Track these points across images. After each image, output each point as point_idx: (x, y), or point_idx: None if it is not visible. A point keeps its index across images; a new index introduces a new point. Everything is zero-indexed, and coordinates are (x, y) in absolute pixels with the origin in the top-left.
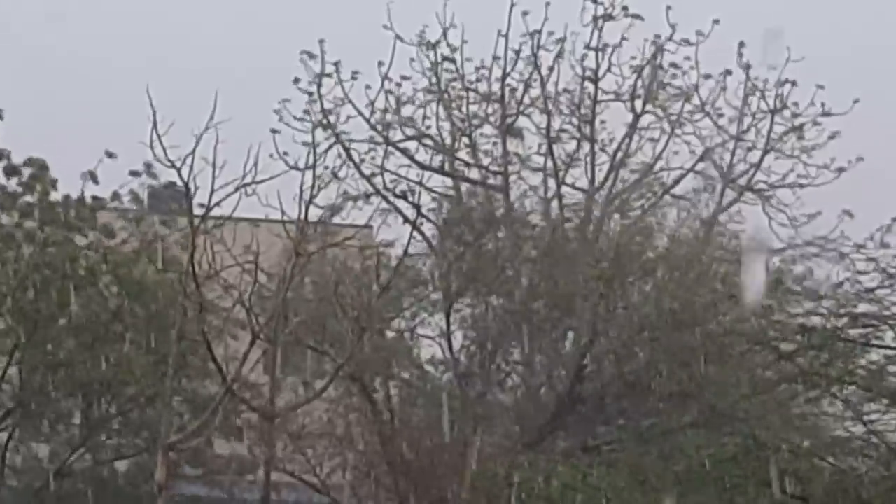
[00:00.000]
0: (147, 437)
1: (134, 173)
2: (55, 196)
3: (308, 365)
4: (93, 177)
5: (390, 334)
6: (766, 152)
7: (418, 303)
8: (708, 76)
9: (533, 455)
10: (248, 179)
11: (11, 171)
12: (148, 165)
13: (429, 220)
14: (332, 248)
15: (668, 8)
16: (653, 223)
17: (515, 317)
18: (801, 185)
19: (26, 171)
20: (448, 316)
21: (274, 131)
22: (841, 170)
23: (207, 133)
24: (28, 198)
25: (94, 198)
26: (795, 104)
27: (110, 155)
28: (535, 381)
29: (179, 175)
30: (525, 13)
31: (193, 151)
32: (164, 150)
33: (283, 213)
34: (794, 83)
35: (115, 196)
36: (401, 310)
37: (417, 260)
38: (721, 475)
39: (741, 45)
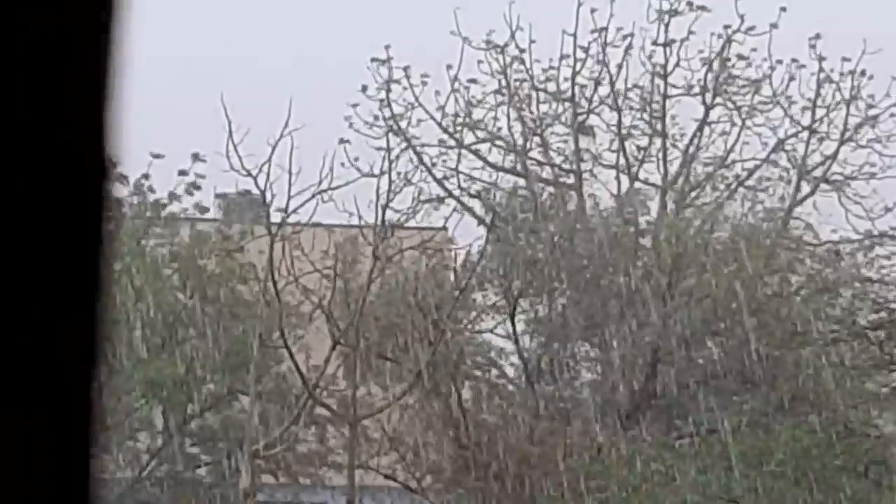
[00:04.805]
0: (226, 443)
1: (182, 172)
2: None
3: (386, 368)
4: (146, 180)
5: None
6: (841, 143)
7: (486, 304)
8: (779, 62)
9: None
10: (323, 186)
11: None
12: (195, 156)
13: (504, 220)
14: (406, 252)
15: None
16: (721, 216)
17: (585, 312)
18: (874, 175)
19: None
20: (513, 316)
21: (343, 141)
22: None
23: (282, 141)
24: None
25: (155, 202)
26: (871, 97)
27: (157, 156)
28: (610, 377)
29: (256, 183)
30: (593, 10)
31: (269, 159)
32: (240, 158)
33: (359, 217)
34: (870, 76)
35: (173, 196)
36: (477, 311)
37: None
38: (810, 463)
39: (815, 36)
